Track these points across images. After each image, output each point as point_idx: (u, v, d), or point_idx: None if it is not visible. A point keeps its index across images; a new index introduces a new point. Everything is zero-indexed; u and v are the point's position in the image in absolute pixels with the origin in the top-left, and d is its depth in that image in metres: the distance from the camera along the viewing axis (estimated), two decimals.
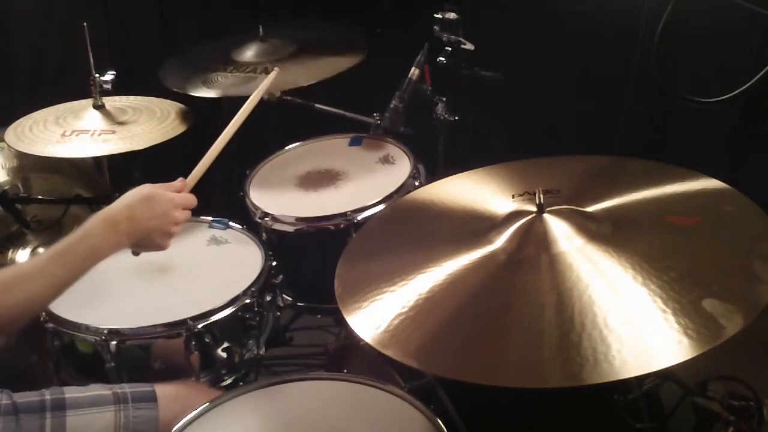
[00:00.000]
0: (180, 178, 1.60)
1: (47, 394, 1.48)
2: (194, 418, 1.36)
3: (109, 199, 1.62)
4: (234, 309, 1.76)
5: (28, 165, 2.33)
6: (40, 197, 2.29)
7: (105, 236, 1.45)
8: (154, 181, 1.58)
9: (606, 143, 2.44)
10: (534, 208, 1.36)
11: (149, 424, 1.48)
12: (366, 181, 2.14)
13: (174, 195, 1.55)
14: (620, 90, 2.35)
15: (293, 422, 1.35)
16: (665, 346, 1.08)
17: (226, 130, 1.68)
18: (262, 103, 2.41)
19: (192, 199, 1.58)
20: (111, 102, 2.16)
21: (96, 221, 1.46)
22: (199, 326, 1.70)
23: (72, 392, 1.50)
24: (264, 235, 2.03)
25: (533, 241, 1.32)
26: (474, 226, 1.42)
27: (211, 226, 2.04)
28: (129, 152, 1.98)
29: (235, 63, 2.37)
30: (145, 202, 1.51)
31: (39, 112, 2.18)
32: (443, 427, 1.28)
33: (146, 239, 1.52)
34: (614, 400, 1.38)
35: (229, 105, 2.86)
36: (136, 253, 1.58)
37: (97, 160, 2.38)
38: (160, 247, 1.55)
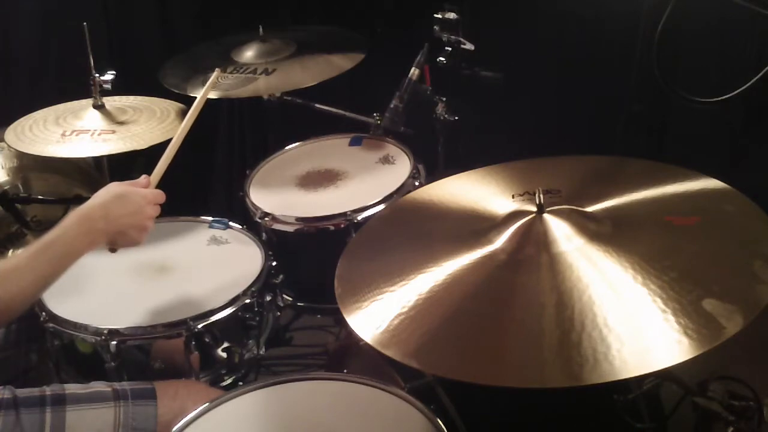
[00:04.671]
0: (144, 175, 1.63)
1: (48, 390, 1.48)
2: (194, 418, 1.36)
3: None
4: (234, 309, 1.76)
5: (28, 165, 2.33)
6: (40, 197, 2.29)
7: (81, 235, 1.47)
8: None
9: (606, 143, 2.44)
10: (534, 208, 1.36)
11: (148, 420, 1.48)
12: (366, 181, 2.14)
13: (145, 191, 1.58)
14: (620, 90, 2.34)
15: (293, 422, 1.35)
16: (665, 346, 1.08)
17: (180, 127, 1.72)
18: (262, 103, 2.43)
19: (161, 195, 1.61)
20: (111, 102, 2.16)
21: (72, 220, 1.48)
22: (199, 326, 1.70)
23: (72, 388, 1.51)
24: (264, 235, 2.03)
25: (533, 241, 1.32)
26: (474, 226, 1.42)
27: (211, 226, 2.04)
28: (129, 152, 1.98)
29: (235, 63, 2.37)
30: (119, 200, 1.53)
31: (39, 112, 2.18)
32: (443, 427, 1.27)
33: (122, 236, 1.54)
34: (614, 400, 1.38)
35: (229, 105, 2.88)
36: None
37: (97, 160, 2.38)
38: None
